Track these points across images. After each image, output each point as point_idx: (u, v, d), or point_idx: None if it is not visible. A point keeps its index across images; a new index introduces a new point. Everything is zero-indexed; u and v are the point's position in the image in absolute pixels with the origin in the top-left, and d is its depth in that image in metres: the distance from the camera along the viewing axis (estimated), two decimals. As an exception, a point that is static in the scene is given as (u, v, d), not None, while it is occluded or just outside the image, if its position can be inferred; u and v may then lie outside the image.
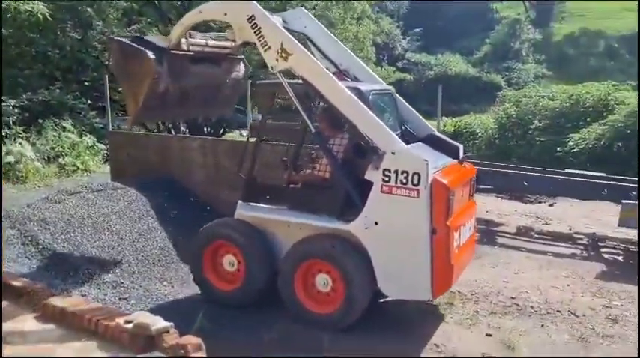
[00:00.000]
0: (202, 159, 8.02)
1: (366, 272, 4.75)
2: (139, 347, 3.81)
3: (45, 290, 4.29)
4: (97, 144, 13.01)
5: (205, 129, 16.95)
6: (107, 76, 9.64)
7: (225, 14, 5.42)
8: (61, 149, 12.06)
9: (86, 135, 12.94)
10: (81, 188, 7.25)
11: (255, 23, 5.11)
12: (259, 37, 5.09)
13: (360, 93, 4.98)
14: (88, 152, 12.55)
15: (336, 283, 4.88)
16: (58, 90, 14.34)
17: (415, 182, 4.52)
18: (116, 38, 5.62)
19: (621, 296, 6.05)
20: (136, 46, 5.64)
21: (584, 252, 7.70)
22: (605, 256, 7.59)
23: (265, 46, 5.07)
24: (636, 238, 8.24)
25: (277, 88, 5.47)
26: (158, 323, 3.87)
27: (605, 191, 7.88)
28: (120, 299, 5.31)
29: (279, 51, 4.98)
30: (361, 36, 17.92)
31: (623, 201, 7.37)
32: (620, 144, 13.72)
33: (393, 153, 4.63)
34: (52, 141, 12.13)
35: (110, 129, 9.75)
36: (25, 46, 14.06)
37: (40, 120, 12.83)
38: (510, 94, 18.66)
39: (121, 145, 8.86)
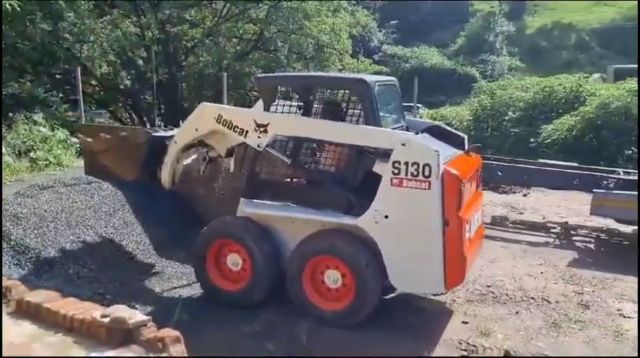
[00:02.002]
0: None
1: (377, 267, 4.69)
2: (116, 342, 3.76)
3: (18, 285, 4.21)
4: (69, 138, 12.77)
5: (181, 122, 16.79)
6: (79, 69, 9.46)
7: (197, 129, 5.48)
8: (32, 143, 11.81)
9: (58, 129, 12.68)
10: (54, 182, 7.11)
11: (224, 120, 5.21)
12: (234, 129, 5.17)
13: (365, 84, 4.95)
14: (60, 146, 12.30)
15: (346, 279, 4.81)
16: (28, 83, 14.04)
17: (426, 173, 4.45)
18: (151, 135, 5.71)
19: (592, 283, 6.20)
20: (145, 162, 5.78)
21: (557, 240, 7.87)
22: (578, 244, 7.76)
23: (243, 132, 5.11)
24: (607, 227, 8.45)
25: (279, 82, 5.43)
26: (135, 316, 3.82)
27: (577, 180, 8.03)
28: (96, 294, 5.24)
29: (257, 128, 5.03)
30: (337, 28, 17.87)
31: (595, 190, 7.52)
32: (591, 135, 14.02)
33: (403, 144, 4.55)
34: (23, 135, 11.87)
35: (83, 123, 9.58)
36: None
37: (11, 114, 12.54)
38: (485, 86, 18.89)
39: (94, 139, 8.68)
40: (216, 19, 16.87)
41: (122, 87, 15.82)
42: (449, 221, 4.47)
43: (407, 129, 5.38)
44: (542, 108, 16.36)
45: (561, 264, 6.75)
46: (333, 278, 4.89)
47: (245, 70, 16.63)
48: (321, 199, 4.96)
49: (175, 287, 5.60)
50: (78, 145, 12.13)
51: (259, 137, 5.03)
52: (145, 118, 16.56)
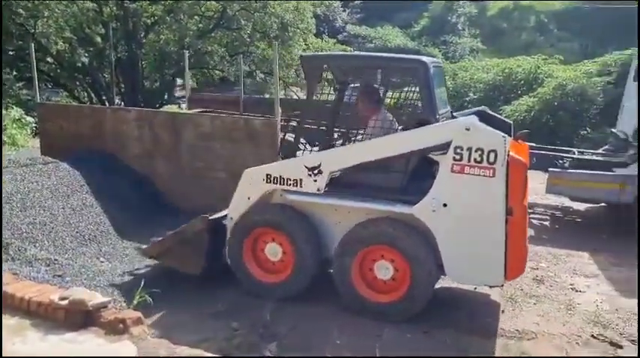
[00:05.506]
0: (138, 131, 7.78)
1: (433, 258, 4.52)
2: (75, 324, 3.73)
3: (-28, 269, 4.10)
4: (24, 117, 12.34)
5: (141, 102, 16.44)
6: (33, 45, 9.11)
7: (249, 198, 5.02)
8: (-16, 122, 11.37)
9: (12, 108, 12.24)
10: (8, 162, 6.88)
11: (274, 177, 4.90)
12: (287, 183, 4.84)
13: (424, 66, 4.69)
14: (14, 125, 11.89)
15: (398, 271, 4.65)
16: (-22, 60, 13.45)
17: (491, 160, 4.25)
18: (209, 219, 5.14)
19: (547, 259, 6.45)
20: (210, 249, 5.13)
21: (514, 218, 8.08)
22: (534, 221, 8.00)
23: (297, 182, 4.79)
24: (562, 205, 8.75)
25: (327, 61, 5.17)
26: (95, 298, 3.80)
27: (534, 160, 8.26)
28: (54, 276, 5.09)
29: (310, 173, 4.73)
30: (301, 7, 17.68)
31: (550, 169, 7.77)
32: (548, 116, 14.40)
33: (468, 129, 4.32)
34: (-26, 114, 11.41)
35: (38, 101, 9.27)
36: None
37: (-39, 92, 12.04)
38: (447, 67, 19.09)
39: (50, 118, 8.44)
40: (177, -5, 16.44)
41: (79, 65, 15.32)
42: (513, 209, 4.30)
43: (452, 114, 5.20)
44: (502, 90, 16.71)
45: (518, 241, 6.95)
46: (384, 269, 4.70)
47: (207, 49, 16.31)
48: (371, 186, 4.74)
49: (137, 269, 5.53)
50: (34, 124, 11.76)
51: (315, 181, 4.75)
52: (104, 97, 16.13)
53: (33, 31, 14.15)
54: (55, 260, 5.41)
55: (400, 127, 5.12)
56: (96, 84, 16.42)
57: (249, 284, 5.12)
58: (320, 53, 4.52)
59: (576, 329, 4.74)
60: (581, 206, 8.76)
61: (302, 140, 5.25)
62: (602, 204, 8.24)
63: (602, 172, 7.60)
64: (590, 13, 30.17)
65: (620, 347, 4.47)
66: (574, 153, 8.77)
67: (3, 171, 6.49)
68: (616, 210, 7.76)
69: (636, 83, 8.92)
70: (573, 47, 27.85)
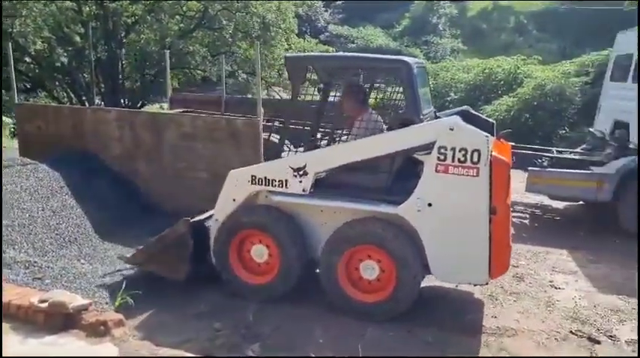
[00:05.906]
0: (119, 132, 7.71)
1: (419, 258, 4.54)
2: (56, 327, 3.69)
3: (-51, 272, 4.04)
4: (2, 118, 12.16)
5: (122, 101, 16.29)
6: (10, 45, 8.98)
7: (234, 199, 5.00)
8: (-40, 124, 11.20)
9: (-11, 109, 12.07)
10: (-15, 164, 6.78)
11: (259, 179, 4.88)
12: (272, 184, 4.84)
13: (407, 66, 4.71)
14: (-9, 126, 11.73)
15: (384, 270, 4.64)
16: (-46, 60, 13.19)
17: (475, 159, 4.28)
18: (191, 222, 5.04)
19: (527, 256, 6.53)
20: (193, 253, 5.01)
21: (494, 216, 8.18)
22: (514, 220, 8.10)
23: (283, 183, 4.77)
24: (541, 203, 8.87)
25: (311, 62, 5.17)
26: (76, 300, 3.77)
27: (514, 159, 8.36)
28: (34, 279, 5.03)
29: (295, 174, 4.72)
30: (283, 7, 17.65)
31: (530, 168, 7.88)
32: (527, 116, 14.60)
33: (452, 129, 4.34)
34: (-50, 114, 11.23)
35: (16, 102, 9.13)
36: None
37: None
38: (428, 67, 19.24)
39: (29, 118, 8.33)
40: (157, -6, 16.30)
41: (58, 64, 15.12)
42: (496, 209, 4.32)
43: (436, 114, 5.24)
44: (483, 89, 16.89)
45: (498, 239, 7.04)
46: (369, 269, 4.70)
47: (189, 49, 16.21)
48: (356, 187, 4.75)
49: (118, 270, 5.47)
50: (12, 125, 11.59)
51: (301, 182, 4.74)
52: (84, 97, 15.95)
53: (10, 30, 13.93)
54: (35, 262, 5.34)
55: (385, 127, 5.16)
56: (75, 84, 16.22)
57: (235, 285, 5.10)
58: (304, 54, 4.46)
59: (555, 325, 4.81)
60: (559, 204, 8.90)
61: (286, 141, 5.26)
62: (580, 202, 8.39)
63: (579, 171, 7.74)
64: (567, 14, 30.65)
65: (598, 342, 4.55)
66: (553, 152, 8.91)
67: (-20, 173, 6.40)
68: (594, 208, 7.90)
69: (613, 82, 9.09)
70: (551, 48, 28.23)
